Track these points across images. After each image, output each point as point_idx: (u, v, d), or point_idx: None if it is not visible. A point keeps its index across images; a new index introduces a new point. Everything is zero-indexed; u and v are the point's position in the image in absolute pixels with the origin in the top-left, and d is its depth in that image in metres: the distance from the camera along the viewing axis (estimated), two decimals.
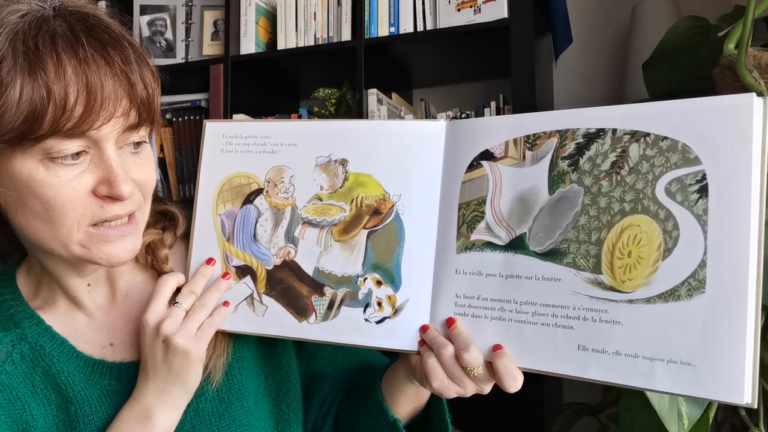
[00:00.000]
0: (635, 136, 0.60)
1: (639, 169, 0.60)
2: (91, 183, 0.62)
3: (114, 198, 0.62)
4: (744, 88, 0.89)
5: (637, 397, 0.89)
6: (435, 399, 0.77)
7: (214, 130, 0.77)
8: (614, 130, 0.61)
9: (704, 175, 0.56)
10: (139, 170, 0.66)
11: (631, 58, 1.75)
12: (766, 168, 0.55)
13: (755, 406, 0.52)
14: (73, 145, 0.60)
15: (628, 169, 0.60)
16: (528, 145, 0.66)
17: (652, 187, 0.59)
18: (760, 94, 0.85)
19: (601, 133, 0.62)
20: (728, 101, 0.56)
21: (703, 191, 0.56)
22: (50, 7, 0.61)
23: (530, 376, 0.64)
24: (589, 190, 0.62)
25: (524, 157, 0.66)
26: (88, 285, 0.73)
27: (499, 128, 0.68)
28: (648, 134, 0.59)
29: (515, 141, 0.67)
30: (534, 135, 0.66)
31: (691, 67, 1.15)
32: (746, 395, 0.53)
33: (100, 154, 0.62)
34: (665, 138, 0.59)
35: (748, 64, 0.89)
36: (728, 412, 1.04)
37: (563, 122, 0.64)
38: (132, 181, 0.64)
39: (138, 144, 0.66)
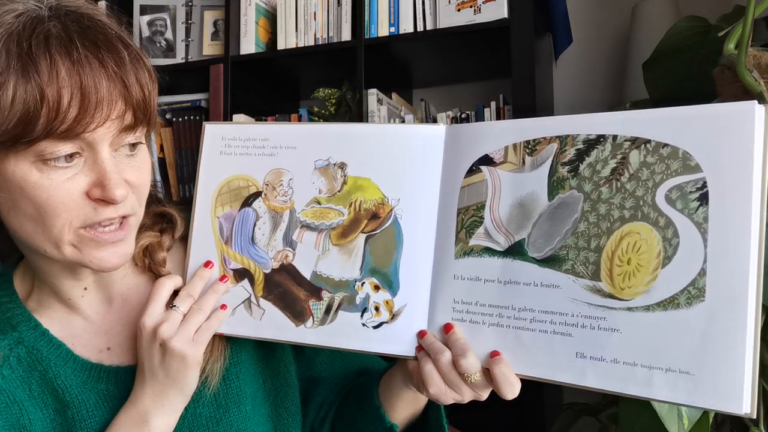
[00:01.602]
0: (636, 142, 0.60)
1: (639, 176, 0.59)
2: (84, 185, 0.61)
3: (107, 201, 0.62)
4: (744, 88, 0.88)
5: None
6: (432, 404, 0.76)
7: (213, 132, 0.76)
8: (615, 137, 0.61)
9: (705, 182, 0.56)
10: (134, 173, 0.65)
11: (631, 59, 1.75)
12: (767, 176, 0.54)
13: (754, 416, 0.52)
14: (66, 147, 0.59)
15: (628, 176, 0.60)
16: (528, 150, 0.65)
17: (653, 194, 0.58)
18: (760, 94, 0.85)
19: (602, 140, 0.61)
20: (730, 108, 0.56)
21: (704, 199, 0.56)
22: (46, 7, 0.60)
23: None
24: (589, 196, 0.61)
25: (524, 162, 0.65)
26: (84, 289, 0.72)
27: (499, 133, 0.67)
28: (649, 141, 0.59)
29: (515, 146, 0.66)
30: (534, 140, 0.65)
31: (691, 67, 1.15)
32: (745, 405, 0.53)
33: (94, 156, 0.61)
34: (666, 145, 0.58)
35: (748, 64, 0.88)
36: None
37: (563, 128, 0.64)
38: (126, 184, 0.63)
39: (134, 146, 0.65)
